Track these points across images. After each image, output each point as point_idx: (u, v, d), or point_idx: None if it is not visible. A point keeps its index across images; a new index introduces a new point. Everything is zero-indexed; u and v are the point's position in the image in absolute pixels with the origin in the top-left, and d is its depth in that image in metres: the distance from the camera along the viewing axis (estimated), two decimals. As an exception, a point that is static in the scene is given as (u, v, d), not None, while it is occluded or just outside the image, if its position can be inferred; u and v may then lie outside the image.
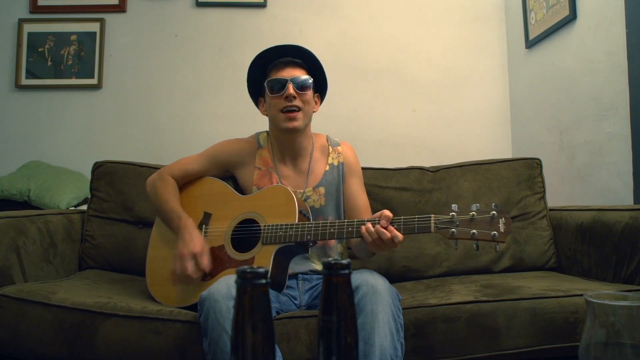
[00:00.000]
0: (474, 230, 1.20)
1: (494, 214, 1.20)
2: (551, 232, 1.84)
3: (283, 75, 1.49)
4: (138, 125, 2.76)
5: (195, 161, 1.60)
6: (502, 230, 1.19)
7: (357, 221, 1.31)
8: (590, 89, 2.03)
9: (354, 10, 2.82)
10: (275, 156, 1.58)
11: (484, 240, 1.20)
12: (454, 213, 1.23)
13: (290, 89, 1.46)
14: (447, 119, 2.74)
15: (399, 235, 1.22)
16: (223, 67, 2.79)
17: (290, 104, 1.47)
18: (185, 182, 1.59)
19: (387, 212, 1.26)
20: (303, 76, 1.50)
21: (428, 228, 1.24)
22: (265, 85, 1.51)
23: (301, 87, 1.49)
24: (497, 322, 1.30)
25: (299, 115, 1.49)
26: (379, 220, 1.25)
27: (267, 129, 1.66)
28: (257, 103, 1.64)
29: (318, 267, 1.53)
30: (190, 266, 1.36)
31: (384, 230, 1.23)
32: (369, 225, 1.26)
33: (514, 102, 2.71)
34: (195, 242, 1.39)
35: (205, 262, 1.37)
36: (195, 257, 1.37)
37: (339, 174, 1.58)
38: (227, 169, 1.61)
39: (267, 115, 1.58)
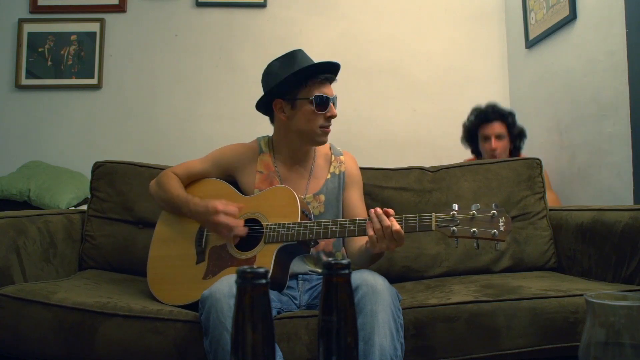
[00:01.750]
0: (475, 229, 1.20)
1: (494, 213, 1.21)
2: (551, 232, 1.84)
3: (326, 93, 1.48)
4: (138, 125, 2.76)
5: (198, 164, 1.61)
6: (502, 229, 1.20)
7: (359, 220, 1.31)
8: (590, 89, 2.03)
9: (354, 11, 2.82)
10: (277, 160, 1.58)
11: (485, 238, 1.20)
12: (454, 212, 1.23)
13: (334, 110, 1.49)
14: (448, 119, 2.74)
15: (396, 224, 1.23)
16: (223, 67, 2.79)
17: (329, 123, 1.50)
18: (188, 183, 1.59)
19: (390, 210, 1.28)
20: (335, 94, 1.52)
21: (429, 226, 1.24)
22: (313, 99, 1.46)
23: (336, 105, 1.52)
24: (497, 322, 1.30)
25: (329, 131, 1.53)
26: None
27: (266, 132, 1.65)
28: (270, 103, 1.54)
29: (318, 269, 1.53)
30: (225, 219, 1.38)
31: (385, 217, 1.24)
32: (378, 209, 1.27)
33: (514, 102, 2.71)
34: (210, 203, 1.41)
35: (233, 208, 1.41)
36: (221, 212, 1.39)
37: (340, 183, 1.58)
38: (228, 173, 1.61)
39: (284, 119, 1.51)
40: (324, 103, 1.47)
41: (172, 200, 1.51)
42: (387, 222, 1.24)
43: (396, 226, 1.23)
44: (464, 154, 2.57)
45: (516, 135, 2.40)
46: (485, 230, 1.20)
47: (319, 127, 1.49)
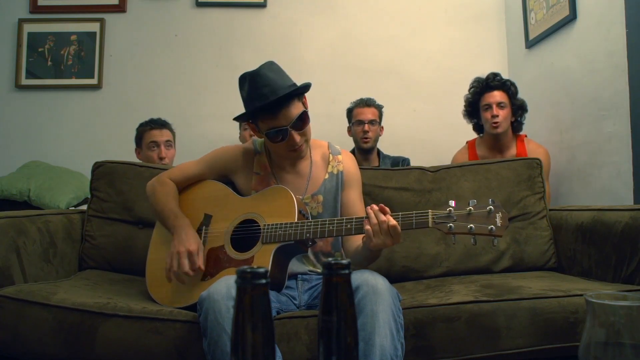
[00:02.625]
0: (471, 225, 1.21)
1: (490, 208, 1.21)
2: (551, 232, 1.84)
3: (280, 123, 1.40)
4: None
5: (194, 166, 1.60)
6: (499, 225, 1.20)
7: (355, 218, 1.32)
8: (590, 89, 2.03)
9: (354, 11, 2.82)
10: (274, 161, 1.58)
11: (481, 234, 1.21)
12: (451, 208, 1.24)
13: (295, 137, 1.42)
14: (447, 119, 2.74)
15: (392, 220, 1.24)
16: (223, 67, 2.79)
17: (295, 148, 1.44)
18: (185, 185, 1.59)
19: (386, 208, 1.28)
20: (299, 113, 1.41)
21: (426, 223, 1.25)
22: (265, 135, 1.44)
23: (301, 126, 1.44)
24: (497, 322, 1.30)
25: (304, 147, 1.48)
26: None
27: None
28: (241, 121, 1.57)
29: (317, 269, 1.53)
30: (186, 264, 1.36)
31: (381, 214, 1.25)
32: (374, 205, 1.28)
33: (514, 102, 2.71)
34: (191, 240, 1.39)
35: (200, 261, 1.38)
36: (190, 255, 1.37)
37: (338, 182, 1.57)
38: (224, 175, 1.61)
39: (259, 138, 1.56)
40: (278, 137, 1.41)
41: (161, 213, 1.51)
42: (383, 217, 1.25)
43: (392, 222, 1.24)
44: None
45: (518, 107, 2.39)
46: (482, 225, 1.20)
47: (287, 152, 1.46)
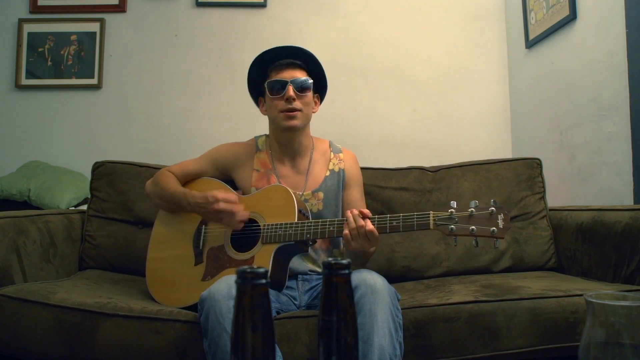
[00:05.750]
0: (473, 227, 1.20)
1: (492, 210, 1.21)
2: (551, 232, 1.84)
3: (283, 77, 1.50)
4: (138, 125, 2.76)
5: (195, 163, 1.62)
6: (500, 226, 1.20)
7: None
8: (590, 89, 2.03)
9: (353, 11, 2.82)
10: (274, 157, 1.58)
11: (483, 236, 1.20)
12: (452, 210, 1.24)
13: (290, 90, 1.48)
14: (447, 119, 2.74)
15: (370, 225, 1.26)
16: (223, 67, 2.79)
17: (290, 106, 1.48)
18: (184, 182, 1.59)
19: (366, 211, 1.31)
20: (303, 77, 1.51)
21: (427, 225, 1.25)
22: (266, 86, 1.52)
23: (301, 88, 1.50)
24: (497, 322, 1.30)
25: (299, 114, 1.50)
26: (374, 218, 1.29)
27: (266, 132, 1.66)
28: (257, 102, 1.64)
29: (317, 268, 1.53)
30: (226, 206, 1.38)
31: (360, 218, 1.27)
32: (354, 210, 1.30)
33: (514, 102, 2.71)
34: (209, 193, 1.41)
35: (232, 195, 1.41)
36: (221, 200, 1.39)
37: (339, 180, 1.58)
38: (225, 172, 1.61)
39: (266, 115, 1.58)
40: (277, 87, 1.49)
41: (169, 197, 1.52)
42: (361, 222, 1.27)
43: (369, 226, 1.26)
44: (464, 154, 2.57)
45: None
46: (483, 228, 1.20)
47: (280, 112, 1.50)
